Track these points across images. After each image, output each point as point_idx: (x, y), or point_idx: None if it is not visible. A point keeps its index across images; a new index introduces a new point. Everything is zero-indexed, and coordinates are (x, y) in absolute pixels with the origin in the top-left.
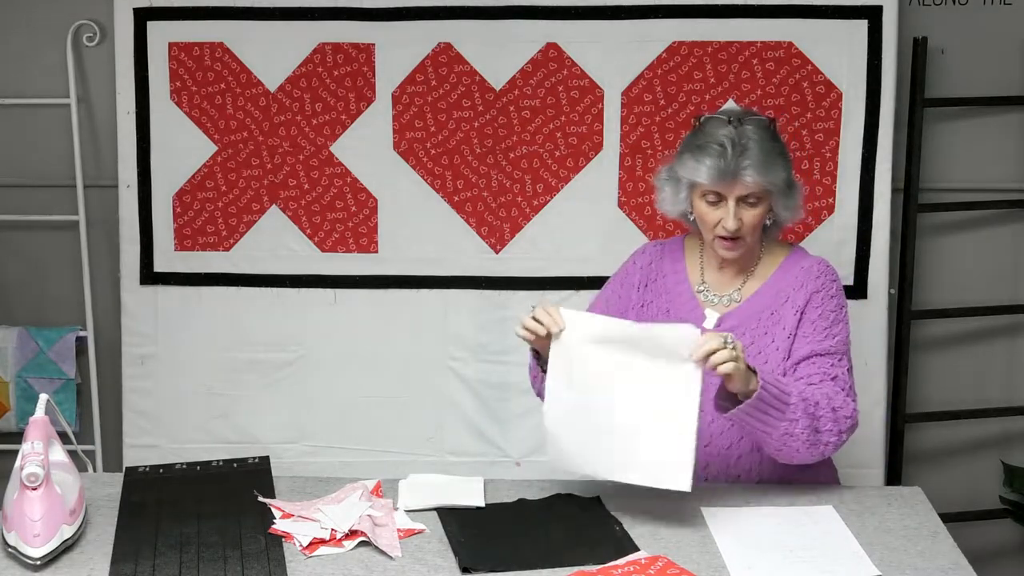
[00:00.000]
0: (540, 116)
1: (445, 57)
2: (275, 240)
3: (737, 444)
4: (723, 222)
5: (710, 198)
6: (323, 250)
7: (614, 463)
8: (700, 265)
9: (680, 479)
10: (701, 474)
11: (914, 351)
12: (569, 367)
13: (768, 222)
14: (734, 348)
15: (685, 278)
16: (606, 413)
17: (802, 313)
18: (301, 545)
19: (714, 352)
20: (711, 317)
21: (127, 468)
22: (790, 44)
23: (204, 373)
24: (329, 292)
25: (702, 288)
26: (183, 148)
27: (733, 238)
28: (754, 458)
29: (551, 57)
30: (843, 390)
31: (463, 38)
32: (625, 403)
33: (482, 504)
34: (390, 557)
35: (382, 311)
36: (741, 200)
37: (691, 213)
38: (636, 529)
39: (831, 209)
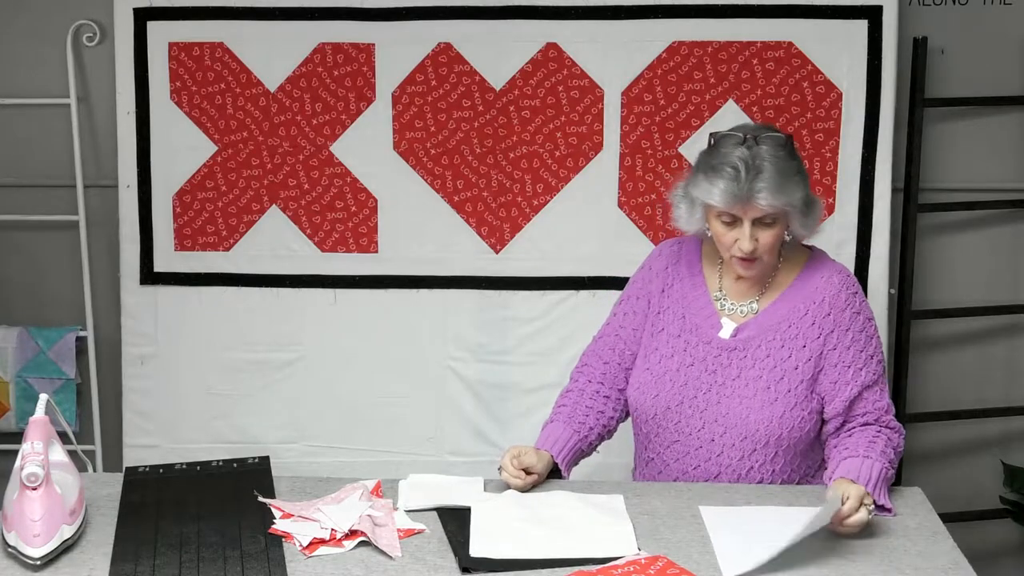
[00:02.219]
0: (540, 116)
1: (445, 57)
2: (275, 240)
3: (748, 457)
4: (739, 243)
5: (725, 219)
6: (323, 250)
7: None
8: (719, 271)
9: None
10: (711, 483)
11: (914, 351)
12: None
13: (787, 238)
14: (869, 507)
15: (703, 283)
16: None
17: (829, 335)
18: (301, 545)
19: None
20: (727, 327)
21: (127, 468)
22: (790, 44)
23: (204, 373)
24: (329, 292)
25: (719, 296)
26: (183, 148)
27: (750, 259)
28: (766, 471)
29: (551, 57)
30: (890, 411)
31: (463, 38)
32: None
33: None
34: (390, 557)
35: (382, 311)
36: (757, 221)
37: (708, 230)
38: (636, 529)
39: (831, 209)
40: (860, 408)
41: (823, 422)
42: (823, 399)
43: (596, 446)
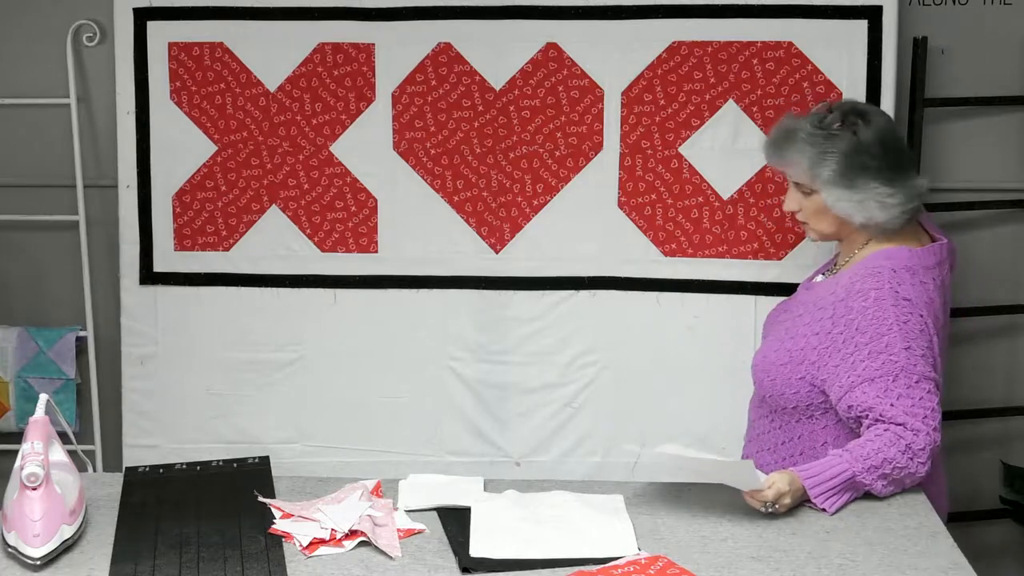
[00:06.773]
0: (540, 116)
1: (445, 57)
2: (275, 240)
3: (756, 399)
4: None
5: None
6: (323, 250)
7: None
8: None
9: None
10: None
11: None
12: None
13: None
14: (767, 509)
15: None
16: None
17: (838, 320)
18: (301, 545)
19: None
20: (812, 280)
21: (127, 468)
22: (790, 44)
23: (204, 373)
24: (329, 292)
25: (838, 253)
26: (183, 148)
27: (801, 221)
28: (762, 426)
29: (551, 57)
30: (904, 420)
31: (463, 38)
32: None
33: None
34: (390, 557)
35: (382, 311)
36: (797, 186)
37: None
38: (636, 529)
39: None
40: (861, 400)
41: (828, 411)
42: (824, 382)
43: None
